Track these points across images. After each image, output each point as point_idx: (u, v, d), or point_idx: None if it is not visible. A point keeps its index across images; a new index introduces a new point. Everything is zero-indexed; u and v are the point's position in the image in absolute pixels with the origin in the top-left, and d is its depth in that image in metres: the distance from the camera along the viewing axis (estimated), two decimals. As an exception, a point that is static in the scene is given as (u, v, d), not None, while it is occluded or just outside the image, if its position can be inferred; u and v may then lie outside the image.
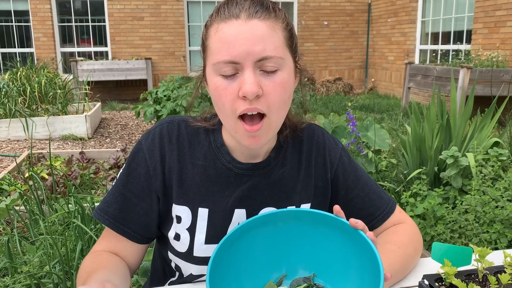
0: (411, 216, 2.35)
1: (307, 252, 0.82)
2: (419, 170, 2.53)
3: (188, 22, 9.06)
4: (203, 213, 0.92)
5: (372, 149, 3.07)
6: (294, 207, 0.95)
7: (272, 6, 0.83)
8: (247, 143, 0.84)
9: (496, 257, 0.83)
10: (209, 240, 0.92)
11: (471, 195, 2.20)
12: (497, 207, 2.15)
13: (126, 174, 0.93)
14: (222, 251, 0.76)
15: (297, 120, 0.99)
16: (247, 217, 0.93)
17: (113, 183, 0.94)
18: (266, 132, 0.84)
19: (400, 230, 0.97)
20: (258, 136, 0.83)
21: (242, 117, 0.82)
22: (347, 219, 0.76)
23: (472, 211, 2.15)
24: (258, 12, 0.79)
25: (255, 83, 0.78)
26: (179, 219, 0.93)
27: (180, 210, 0.92)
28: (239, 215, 0.93)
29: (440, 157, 2.48)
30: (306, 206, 0.97)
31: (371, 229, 0.97)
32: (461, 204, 2.23)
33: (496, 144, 2.66)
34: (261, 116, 0.82)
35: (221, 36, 0.79)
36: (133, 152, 0.94)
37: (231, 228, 0.92)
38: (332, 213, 0.78)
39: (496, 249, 2.05)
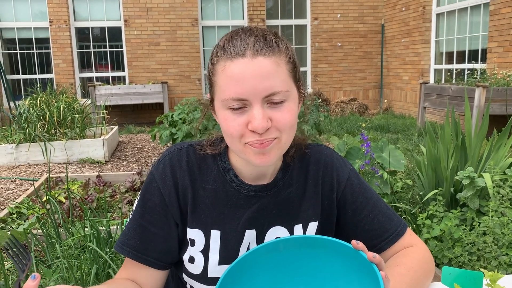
0: (428, 238, 2.31)
1: (309, 274, 0.82)
2: (435, 191, 2.50)
3: (204, 47, 9.22)
4: (215, 235, 0.94)
5: (387, 170, 3.05)
6: (301, 225, 0.97)
7: (275, 41, 0.85)
8: (257, 162, 0.85)
9: (508, 282, 0.82)
10: (222, 261, 0.94)
11: (489, 216, 2.16)
12: (516, 228, 2.10)
13: (142, 206, 0.95)
14: (226, 281, 0.77)
15: (302, 139, 1.02)
16: (257, 237, 0.95)
17: (130, 216, 0.97)
18: (276, 150, 0.86)
19: (410, 253, 0.96)
20: (268, 153, 0.85)
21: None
22: (356, 240, 0.76)
23: (491, 233, 2.11)
24: (262, 49, 0.82)
25: (264, 118, 0.81)
26: (192, 242, 0.95)
27: (193, 233, 0.95)
28: (250, 236, 0.95)
29: (456, 177, 2.44)
30: (314, 225, 0.98)
31: (379, 251, 0.97)
32: (478, 225, 2.19)
33: (514, 164, 2.61)
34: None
35: (228, 74, 0.82)
36: (146, 183, 0.96)
37: (242, 248, 0.95)
38: (340, 231, 0.76)
39: (516, 272, 2.00)
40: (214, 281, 0.94)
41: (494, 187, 2.29)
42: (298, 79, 0.90)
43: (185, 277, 0.98)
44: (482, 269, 0.74)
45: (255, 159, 0.85)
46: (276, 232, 0.96)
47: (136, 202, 0.97)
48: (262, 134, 0.82)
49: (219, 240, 0.94)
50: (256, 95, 0.81)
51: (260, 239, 0.96)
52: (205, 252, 0.94)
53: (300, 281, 0.83)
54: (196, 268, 0.95)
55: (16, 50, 8.74)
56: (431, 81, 8.24)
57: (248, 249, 0.95)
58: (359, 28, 9.64)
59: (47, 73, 8.91)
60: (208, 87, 0.96)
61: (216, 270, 0.94)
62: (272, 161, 0.86)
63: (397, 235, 0.98)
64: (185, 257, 0.96)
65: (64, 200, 3.45)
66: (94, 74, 9.08)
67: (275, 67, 0.83)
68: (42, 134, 5.38)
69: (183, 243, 0.97)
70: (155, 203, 0.94)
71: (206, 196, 0.95)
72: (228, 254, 0.94)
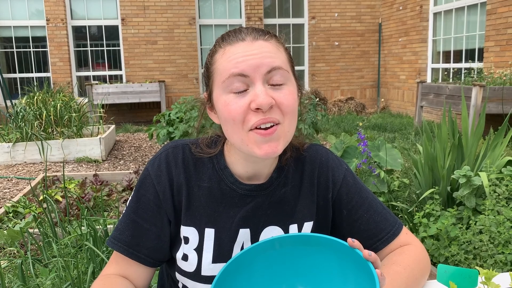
0: (424, 237, 2.32)
1: (305, 272, 0.82)
2: (432, 190, 2.50)
3: (201, 45, 9.21)
4: (209, 233, 0.94)
5: (384, 169, 3.05)
6: (297, 225, 0.97)
7: (273, 33, 0.89)
8: (261, 153, 0.83)
9: (503, 280, 0.82)
10: (216, 259, 0.94)
11: (485, 215, 2.17)
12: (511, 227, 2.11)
13: (135, 201, 0.95)
14: (222, 279, 0.77)
15: (299, 142, 1.01)
16: (251, 237, 0.95)
17: (123, 212, 0.96)
18: (282, 139, 0.84)
19: (406, 251, 0.96)
20: (274, 141, 0.83)
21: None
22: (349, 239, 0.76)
23: (487, 232, 2.12)
24: (261, 35, 0.86)
25: (268, 94, 0.81)
26: (186, 240, 0.95)
27: (187, 231, 0.94)
28: (244, 235, 0.95)
29: (452, 176, 2.45)
30: (309, 224, 0.98)
31: (375, 250, 0.97)
32: (475, 224, 2.19)
33: (510, 163, 2.62)
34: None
35: (228, 56, 0.83)
36: (140, 179, 0.96)
37: (236, 247, 0.94)
38: (335, 231, 0.76)
39: (512, 270, 2.00)
40: (207, 279, 0.94)
41: (490, 185, 2.30)
42: (295, 72, 0.91)
43: (178, 276, 0.98)
44: (477, 267, 0.74)
45: (259, 150, 0.83)
46: (271, 232, 0.96)
47: (130, 198, 0.96)
48: (266, 112, 0.81)
49: (213, 238, 0.94)
50: (258, 70, 0.81)
51: (254, 238, 0.95)
52: (199, 250, 0.94)
53: (296, 279, 0.83)
54: (189, 266, 0.94)
55: (13, 48, 8.70)
56: (428, 80, 8.25)
57: (242, 248, 0.95)
58: (356, 27, 9.64)
59: (44, 72, 8.88)
60: (204, 87, 0.94)
61: (209, 268, 0.94)
62: (278, 150, 0.84)
63: (392, 234, 0.98)
64: (178, 255, 0.96)
65: (60, 199, 3.44)
66: (91, 73, 9.05)
67: (275, 49, 0.85)
68: (39, 133, 5.37)
69: (176, 241, 0.97)
70: (149, 199, 0.93)
71: (201, 194, 0.94)
72: (221, 253, 0.94)
